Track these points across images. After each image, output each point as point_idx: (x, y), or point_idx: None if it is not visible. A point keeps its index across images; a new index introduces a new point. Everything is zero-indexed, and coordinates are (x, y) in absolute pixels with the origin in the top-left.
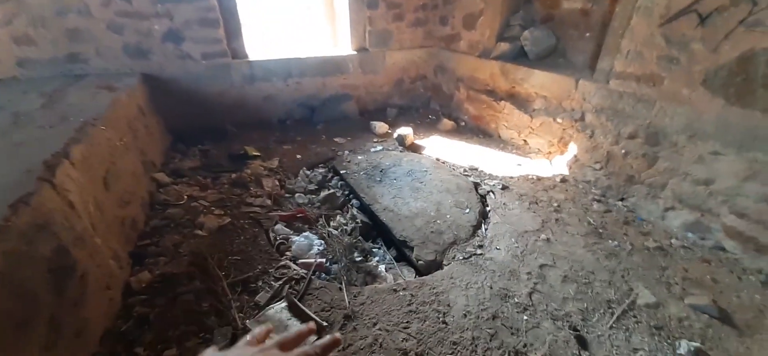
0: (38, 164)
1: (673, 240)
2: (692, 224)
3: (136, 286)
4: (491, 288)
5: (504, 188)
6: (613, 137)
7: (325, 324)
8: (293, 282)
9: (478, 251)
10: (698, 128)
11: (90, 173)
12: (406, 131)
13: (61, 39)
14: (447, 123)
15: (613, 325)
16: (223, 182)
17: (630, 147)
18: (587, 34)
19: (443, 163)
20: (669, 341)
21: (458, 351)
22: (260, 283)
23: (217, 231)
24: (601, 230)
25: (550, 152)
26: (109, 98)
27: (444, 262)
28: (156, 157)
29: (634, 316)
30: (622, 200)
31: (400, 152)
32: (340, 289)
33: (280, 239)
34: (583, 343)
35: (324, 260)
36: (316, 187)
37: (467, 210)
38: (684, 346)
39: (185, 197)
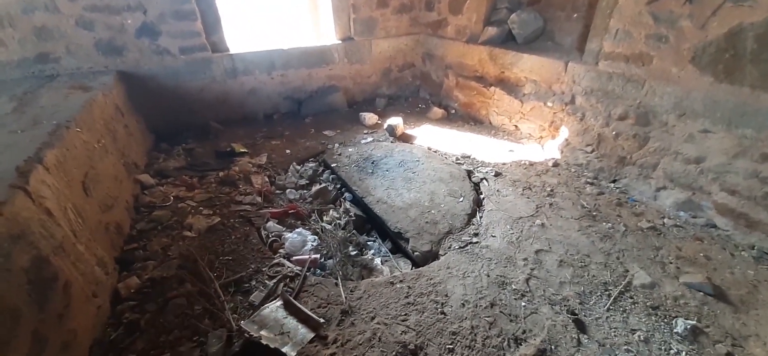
0: (10, 170)
1: (665, 220)
2: (684, 202)
3: (125, 292)
4: (488, 276)
5: (497, 174)
6: (604, 118)
7: (322, 320)
8: (288, 280)
9: (474, 240)
10: (687, 106)
11: (67, 178)
12: (396, 121)
13: (29, 38)
14: (437, 111)
15: (611, 307)
16: (211, 181)
17: (621, 128)
18: (575, 15)
19: (435, 152)
20: (666, 320)
21: (457, 341)
22: (254, 282)
23: (207, 232)
24: (594, 213)
25: (541, 137)
26: (84, 98)
27: (440, 252)
28: (138, 158)
29: (631, 297)
30: (614, 181)
31: (391, 142)
32: (336, 284)
33: (273, 236)
34: (581, 327)
35: (318, 256)
36: (307, 182)
37: (461, 199)
38: (681, 324)
39: (171, 198)
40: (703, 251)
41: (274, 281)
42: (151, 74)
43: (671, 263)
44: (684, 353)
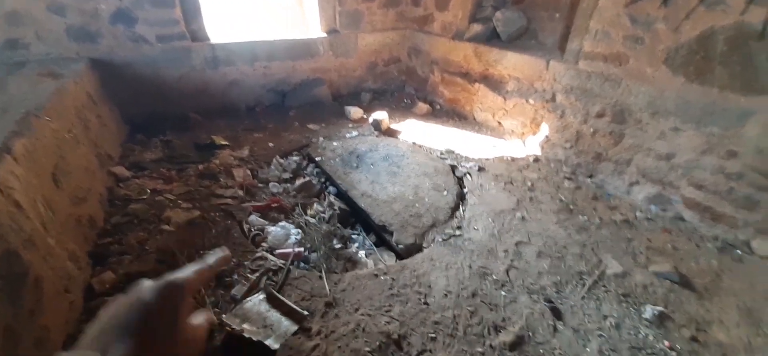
0: None
1: (637, 213)
2: (655, 196)
3: (99, 287)
4: (470, 267)
5: (480, 169)
6: (582, 116)
7: (306, 313)
8: (271, 273)
9: (457, 233)
10: (660, 105)
11: (36, 169)
12: (381, 115)
13: None
14: (422, 106)
15: (585, 295)
16: (190, 174)
17: (598, 126)
18: (557, 15)
19: (420, 147)
20: (635, 307)
21: (440, 329)
22: (236, 276)
23: (186, 225)
24: (572, 207)
25: (523, 133)
26: (54, 86)
27: (424, 245)
28: (112, 149)
29: (604, 286)
30: (590, 176)
31: (376, 137)
32: (320, 277)
33: (255, 230)
34: (557, 314)
35: (302, 249)
36: (291, 175)
37: (445, 193)
38: (649, 311)
39: (148, 191)
40: (671, 242)
41: (257, 274)
42: (126, 62)
43: (642, 253)
44: (651, 337)
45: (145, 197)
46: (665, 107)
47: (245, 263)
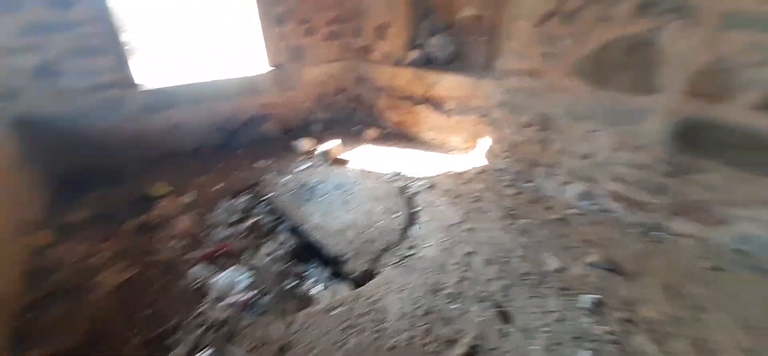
0: None
1: (572, 210)
2: (584, 193)
3: None
4: (424, 284)
5: (430, 187)
6: (515, 127)
7: None
8: (218, 326)
9: (410, 253)
10: (577, 111)
11: None
12: (332, 144)
13: None
14: (372, 132)
15: (531, 295)
16: (126, 230)
17: (528, 134)
18: (482, 38)
19: (371, 172)
20: (573, 298)
21: (396, 354)
22: (179, 335)
23: (121, 287)
24: (514, 212)
25: (467, 148)
26: None
27: (378, 270)
28: (33, 214)
29: (547, 283)
30: (528, 182)
31: (328, 166)
32: (273, 322)
33: (201, 281)
34: (507, 318)
35: (252, 294)
36: (241, 216)
37: (397, 214)
38: (586, 300)
39: (78, 255)
40: (602, 234)
41: (202, 329)
42: (52, 118)
43: (576, 247)
44: (590, 324)
45: (73, 261)
46: (581, 112)
47: (189, 319)
